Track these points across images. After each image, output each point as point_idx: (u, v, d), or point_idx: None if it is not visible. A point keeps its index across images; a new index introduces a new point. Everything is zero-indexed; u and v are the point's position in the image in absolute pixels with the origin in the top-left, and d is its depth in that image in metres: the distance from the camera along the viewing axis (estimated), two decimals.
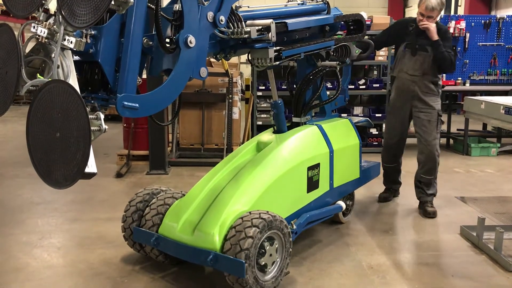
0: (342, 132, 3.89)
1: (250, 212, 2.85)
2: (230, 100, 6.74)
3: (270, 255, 2.87)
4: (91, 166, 1.93)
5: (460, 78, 7.28)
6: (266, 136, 3.57)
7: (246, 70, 13.30)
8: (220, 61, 6.50)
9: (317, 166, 3.52)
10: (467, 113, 3.68)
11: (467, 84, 7.24)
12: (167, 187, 3.50)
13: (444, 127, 7.68)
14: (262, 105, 7.11)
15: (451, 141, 7.56)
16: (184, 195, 3.28)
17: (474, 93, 7.42)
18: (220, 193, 3.07)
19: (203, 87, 6.80)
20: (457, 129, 7.92)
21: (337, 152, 3.69)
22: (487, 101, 3.41)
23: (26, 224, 4.09)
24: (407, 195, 4.80)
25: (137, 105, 2.28)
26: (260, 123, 7.08)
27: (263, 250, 2.82)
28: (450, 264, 3.34)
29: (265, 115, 7.10)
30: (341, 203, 3.81)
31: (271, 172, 3.19)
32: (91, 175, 1.94)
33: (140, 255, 3.38)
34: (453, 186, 5.33)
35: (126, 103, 2.24)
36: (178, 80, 2.47)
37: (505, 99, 3.61)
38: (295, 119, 3.70)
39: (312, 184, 3.49)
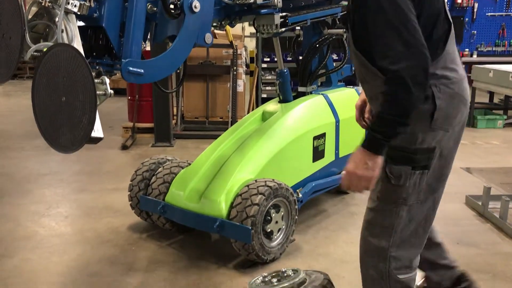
0: (348, 102, 3.85)
1: (256, 180, 2.86)
2: (235, 72, 6.68)
3: (276, 222, 2.89)
4: (98, 131, 1.92)
5: (467, 50, 7.20)
6: (272, 105, 3.55)
7: (250, 43, 13.18)
8: (225, 32, 6.44)
9: (323, 135, 3.51)
10: (475, 82, 3.62)
11: (474, 56, 7.15)
12: (172, 156, 3.50)
13: None
14: (267, 78, 7.06)
15: None
16: (190, 164, 3.28)
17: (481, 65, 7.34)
18: (226, 161, 3.07)
19: (207, 59, 6.75)
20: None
21: (343, 122, 3.67)
22: (496, 69, 3.35)
23: (34, 194, 4.12)
24: None
25: (142, 70, 2.27)
26: (265, 95, 7.05)
27: (269, 217, 2.84)
28: (455, 232, 3.35)
29: (270, 88, 7.06)
30: None
31: (277, 141, 3.18)
32: (97, 140, 1.94)
33: (147, 223, 3.41)
34: (459, 157, 5.27)
35: (131, 68, 2.22)
36: (183, 46, 2.44)
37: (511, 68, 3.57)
38: (300, 89, 3.68)
39: (318, 154, 3.49)
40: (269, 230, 2.84)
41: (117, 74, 2.38)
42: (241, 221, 2.70)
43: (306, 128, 3.37)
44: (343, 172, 1.72)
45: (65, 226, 3.47)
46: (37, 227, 3.43)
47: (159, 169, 3.26)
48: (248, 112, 7.26)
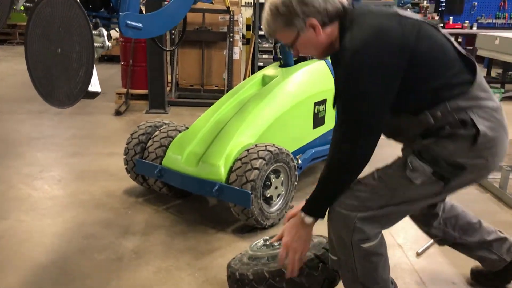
0: None
1: (256, 145, 2.79)
2: (231, 39, 6.55)
3: (276, 187, 2.83)
4: (95, 85, 1.84)
5: (467, 21, 7.08)
6: (272, 70, 3.46)
7: (246, 13, 12.93)
8: None
9: (323, 102, 3.44)
10: (480, 50, 3.54)
11: (474, 28, 7.04)
12: (169, 120, 3.42)
13: None
14: (263, 45, 6.93)
15: None
16: (187, 128, 3.20)
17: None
18: (225, 126, 3.00)
19: (203, 24, 6.60)
20: None
21: None
22: (503, 37, 3.28)
23: (26, 157, 4.03)
24: None
25: (140, 25, 2.17)
26: (261, 64, 6.93)
27: (269, 183, 2.78)
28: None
29: (266, 56, 6.94)
30: None
31: (277, 106, 3.10)
32: (95, 94, 1.86)
33: (143, 188, 3.35)
34: None
35: (129, 22, 2.13)
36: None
37: None
38: None
39: (318, 120, 3.42)
40: (268, 195, 2.79)
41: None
42: (240, 185, 2.64)
43: (307, 94, 3.29)
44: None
45: (58, 189, 3.40)
46: (30, 190, 3.35)
47: (156, 133, 3.18)
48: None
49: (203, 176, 2.79)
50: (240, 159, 2.72)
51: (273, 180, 2.80)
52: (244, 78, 7.15)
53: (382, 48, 1.54)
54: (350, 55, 1.54)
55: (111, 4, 2.17)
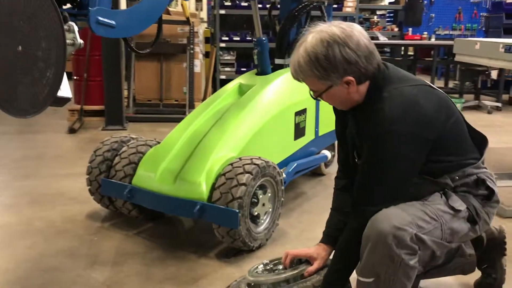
0: None
1: (240, 158, 2.53)
2: (192, 51, 6.28)
3: (263, 204, 2.58)
4: (65, 89, 1.53)
5: (426, 33, 7.17)
6: (249, 78, 3.22)
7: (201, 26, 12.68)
8: (181, 6, 6.02)
9: (304, 111, 3.23)
10: (458, 56, 3.50)
11: (433, 39, 7.14)
12: (137, 134, 3.10)
13: None
14: (225, 58, 6.70)
15: None
16: (159, 142, 2.90)
17: (438, 47, 7.36)
18: (203, 138, 2.72)
19: (161, 36, 6.29)
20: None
21: None
22: (483, 41, 3.23)
23: None
24: None
25: (113, 22, 1.87)
26: (223, 77, 6.69)
27: (256, 199, 2.52)
28: None
29: (228, 69, 6.71)
30: (327, 152, 3.56)
31: (258, 116, 2.86)
32: (64, 100, 1.55)
33: (109, 211, 3.00)
34: None
35: (101, 18, 1.83)
36: None
37: (499, 39, 3.46)
38: (278, 61, 3.37)
39: (299, 131, 3.21)
40: (256, 213, 2.52)
41: None
42: (226, 203, 2.36)
43: (288, 103, 3.07)
44: None
45: (9, 216, 2.98)
46: None
47: (123, 149, 2.85)
48: (204, 96, 6.88)
49: (181, 195, 2.49)
50: (223, 175, 2.44)
51: (260, 196, 2.54)
52: (205, 92, 6.88)
53: (418, 120, 1.56)
54: (388, 122, 1.55)
55: None
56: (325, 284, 1.72)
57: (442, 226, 1.64)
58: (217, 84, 6.70)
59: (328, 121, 3.51)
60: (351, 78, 1.57)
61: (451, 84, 7.97)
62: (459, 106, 6.80)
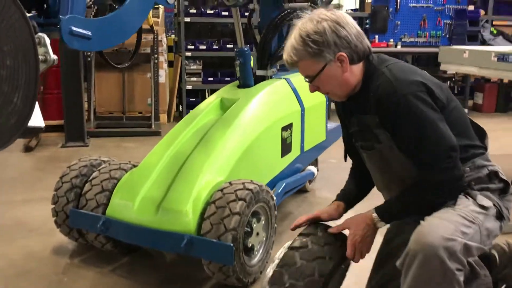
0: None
1: (230, 183, 2.26)
2: (156, 61, 5.95)
3: (257, 234, 2.32)
4: (37, 117, 1.23)
5: (392, 40, 7.12)
6: (230, 91, 2.97)
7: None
8: None
9: (290, 126, 3.00)
10: (444, 65, 3.38)
11: (399, 46, 7.10)
12: (108, 157, 2.78)
13: None
14: (191, 67, 6.39)
15: None
16: (135, 166, 2.59)
17: (404, 54, 7.33)
18: (187, 161, 2.43)
19: (122, 46, 5.92)
20: None
21: (307, 110, 3.19)
22: (472, 50, 3.12)
23: None
24: None
25: (89, 32, 1.58)
26: (190, 87, 6.38)
27: (249, 229, 2.26)
28: None
29: (195, 79, 6.40)
30: (313, 168, 3.34)
31: (245, 134, 2.61)
32: (36, 131, 1.25)
33: (78, 244, 2.66)
34: None
35: (74, 28, 1.53)
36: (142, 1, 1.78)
37: (489, 47, 3.38)
38: (259, 72, 3.12)
39: (286, 147, 2.97)
40: (250, 245, 2.26)
41: None
42: (218, 236, 2.09)
43: (274, 117, 2.84)
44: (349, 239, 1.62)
45: None
46: None
47: (94, 174, 2.53)
48: (170, 107, 6.55)
49: (165, 227, 2.20)
50: (213, 203, 2.17)
51: (254, 225, 2.29)
52: (171, 103, 6.55)
53: (422, 83, 1.55)
54: (397, 87, 1.53)
55: (46, 4, 1.56)
56: (384, 212, 1.62)
57: (480, 228, 1.54)
58: (183, 95, 6.39)
59: (313, 135, 3.31)
60: (343, 54, 1.56)
61: None
62: None
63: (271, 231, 2.44)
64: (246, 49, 2.91)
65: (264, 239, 2.38)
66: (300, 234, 1.69)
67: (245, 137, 2.59)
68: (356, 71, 1.61)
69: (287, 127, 2.96)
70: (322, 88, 1.64)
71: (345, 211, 1.82)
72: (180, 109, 6.83)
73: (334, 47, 1.55)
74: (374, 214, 1.61)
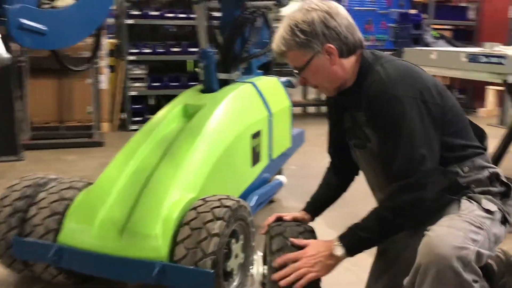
0: (275, 92, 3.20)
1: (204, 199, 2.01)
2: (96, 66, 5.53)
3: (236, 256, 2.07)
4: None
5: None
6: (193, 97, 2.70)
7: None
8: None
9: (259, 133, 2.79)
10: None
11: None
12: (56, 174, 2.43)
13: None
14: (135, 72, 6.01)
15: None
16: (89, 183, 2.27)
17: None
18: (151, 177, 2.14)
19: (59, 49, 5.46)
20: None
21: (275, 116, 2.99)
22: (440, 51, 3.05)
23: None
24: None
25: (45, 27, 1.28)
26: (134, 93, 6.00)
27: (227, 250, 2.01)
28: None
29: (139, 84, 6.03)
30: (281, 177, 3.14)
31: (214, 144, 2.36)
32: None
33: (22, 276, 2.28)
34: None
35: (25, 21, 1.23)
36: None
37: (459, 48, 3.35)
38: (222, 76, 2.87)
39: (256, 156, 2.76)
40: (229, 269, 2.01)
41: None
42: (195, 262, 1.83)
43: (244, 125, 2.61)
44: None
45: None
46: None
47: (41, 195, 2.17)
48: (112, 115, 6.13)
49: (132, 254, 1.90)
50: (187, 224, 1.91)
51: (233, 246, 2.04)
52: (113, 111, 6.13)
53: (417, 83, 1.49)
54: (388, 86, 1.47)
55: None
56: (348, 238, 1.51)
57: (488, 234, 1.44)
58: (127, 101, 5.99)
59: (280, 142, 3.13)
60: (331, 46, 1.51)
61: None
62: None
63: (249, 250, 2.20)
64: (210, 50, 2.66)
65: (242, 261, 2.14)
66: (271, 237, 1.61)
67: (215, 147, 2.34)
68: (346, 65, 1.56)
69: (256, 135, 2.75)
70: (310, 81, 1.61)
71: (312, 220, 1.77)
72: (124, 117, 6.41)
73: (323, 37, 1.51)
74: (336, 239, 1.51)
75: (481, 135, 1.67)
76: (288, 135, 3.33)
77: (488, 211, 1.49)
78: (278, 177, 3.14)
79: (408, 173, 1.45)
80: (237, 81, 2.92)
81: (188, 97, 2.69)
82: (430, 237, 1.37)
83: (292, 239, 1.56)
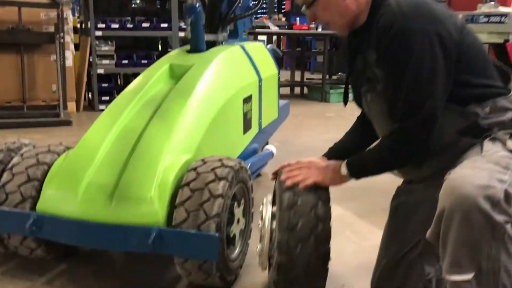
0: (263, 58, 3.02)
1: (203, 160, 1.82)
2: (62, 40, 5.20)
3: (238, 221, 1.90)
4: None
5: (313, 23, 7.00)
6: (181, 57, 2.49)
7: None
8: None
9: (250, 98, 2.61)
10: None
11: (319, 29, 7.00)
12: (30, 140, 2.19)
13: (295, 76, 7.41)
14: (102, 49, 5.70)
15: (305, 89, 7.33)
16: (69, 148, 2.04)
17: (325, 37, 7.26)
18: (140, 138, 1.93)
19: (20, 23, 5.10)
20: (306, 78, 7.75)
21: (264, 82, 2.82)
22: None
23: None
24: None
25: None
26: (101, 71, 5.69)
27: (229, 216, 1.84)
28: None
29: (107, 61, 5.73)
30: (271, 147, 2.98)
31: (207, 104, 2.17)
32: None
33: None
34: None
35: None
36: None
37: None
38: (208, 37, 2.67)
39: (247, 123, 2.58)
40: (232, 234, 1.84)
41: None
42: (197, 226, 1.65)
43: (236, 87, 2.43)
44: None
45: None
46: None
47: (15, 160, 1.94)
48: (78, 94, 5.80)
49: (123, 220, 1.70)
50: (186, 185, 1.72)
51: (236, 210, 1.87)
52: (79, 90, 5.80)
53: (431, 16, 1.38)
54: (399, 18, 1.36)
55: None
56: (353, 162, 1.55)
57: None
58: (94, 80, 5.67)
59: (268, 111, 2.97)
60: None
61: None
62: (350, 96, 6.76)
63: (249, 217, 2.04)
64: (196, 4, 2.45)
65: (243, 227, 1.97)
66: (281, 192, 1.54)
67: (208, 108, 2.15)
68: None
69: (248, 99, 2.57)
70: (321, 16, 1.52)
71: None
72: (90, 96, 6.09)
73: None
74: (344, 162, 1.56)
75: (505, 77, 1.53)
76: (276, 104, 3.18)
77: None
78: (268, 147, 2.98)
79: (411, 112, 1.38)
80: (224, 44, 2.73)
81: (174, 57, 2.48)
82: (452, 179, 1.23)
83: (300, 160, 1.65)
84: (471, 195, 1.15)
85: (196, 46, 2.51)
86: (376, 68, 1.47)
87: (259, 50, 3.02)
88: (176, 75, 2.36)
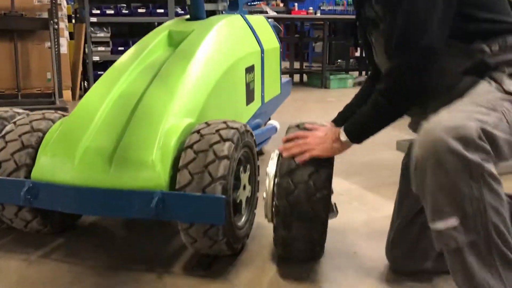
0: (264, 30, 2.93)
1: (207, 123, 1.72)
2: (56, 27, 5.08)
3: (244, 187, 1.80)
4: None
5: (311, 8, 6.93)
6: (180, 24, 2.39)
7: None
8: None
9: (252, 68, 2.51)
10: None
11: (318, 14, 6.91)
12: (22, 108, 2.09)
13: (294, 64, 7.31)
14: (97, 36, 5.59)
15: (305, 76, 7.23)
16: (65, 115, 1.94)
17: (324, 21, 7.18)
18: (141, 101, 1.83)
19: (12, 9, 4.98)
20: (305, 66, 7.66)
21: (266, 53, 2.73)
22: None
23: None
24: None
25: None
26: (97, 58, 5.58)
27: (235, 180, 1.74)
28: (392, 175, 2.74)
29: (102, 48, 5.62)
30: (274, 122, 2.89)
31: (210, 69, 2.07)
32: None
33: None
34: None
35: None
36: None
37: None
38: (208, 6, 2.56)
39: (250, 94, 2.48)
40: (238, 200, 1.74)
41: None
42: (201, 188, 1.55)
43: (238, 55, 2.32)
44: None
45: None
46: None
47: (8, 127, 1.84)
48: (74, 82, 5.68)
49: (124, 185, 1.60)
50: (190, 147, 1.62)
51: (242, 175, 1.77)
52: (74, 77, 5.69)
53: None
54: None
55: None
56: (351, 128, 1.50)
57: (505, 116, 1.20)
58: (89, 67, 5.56)
59: (271, 85, 2.87)
60: None
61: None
62: (351, 81, 6.67)
63: (255, 185, 1.94)
64: None
65: (249, 194, 1.87)
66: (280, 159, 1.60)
67: (211, 73, 2.05)
68: None
69: (250, 69, 2.47)
70: None
71: None
72: (86, 85, 5.98)
73: None
74: (341, 129, 1.51)
75: None
76: (278, 79, 3.08)
77: (510, 93, 1.26)
78: (271, 122, 2.89)
79: (406, 47, 1.29)
80: (224, 13, 2.63)
81: (173, 25, 2.38)
82: (425, 125, 1.16)
83: (306, 125, 1.65)
84: (441, 138, 1.09)
85: (195, 14, 2.40)
86: (376, 4, 1.39)
87: (261, 22, 2.92)
88: (175, 42, 2.25)
